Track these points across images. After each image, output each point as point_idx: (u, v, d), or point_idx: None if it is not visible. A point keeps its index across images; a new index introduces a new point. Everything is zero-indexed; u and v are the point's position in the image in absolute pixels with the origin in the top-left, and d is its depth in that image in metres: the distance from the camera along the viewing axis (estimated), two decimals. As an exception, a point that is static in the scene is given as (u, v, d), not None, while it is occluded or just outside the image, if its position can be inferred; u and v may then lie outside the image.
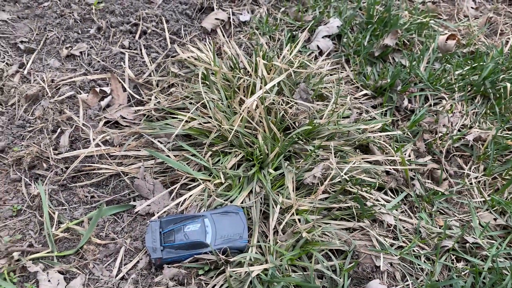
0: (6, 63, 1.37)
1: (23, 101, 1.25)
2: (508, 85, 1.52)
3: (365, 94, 1.56)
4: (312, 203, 1.11)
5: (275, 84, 1.27)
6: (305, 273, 1.05)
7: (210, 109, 1.26)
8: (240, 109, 1.21)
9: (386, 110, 1.51)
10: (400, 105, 1.54)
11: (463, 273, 1.11)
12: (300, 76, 1.41)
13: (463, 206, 1.30)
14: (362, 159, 1.22)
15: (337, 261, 1.07)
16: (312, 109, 1.27)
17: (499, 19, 1.97)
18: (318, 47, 1.64)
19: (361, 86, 1.58)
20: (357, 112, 1.43)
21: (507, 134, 1.45)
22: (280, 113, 1.24)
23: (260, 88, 1.30)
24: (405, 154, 1.38)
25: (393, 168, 1.30)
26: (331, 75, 1.57)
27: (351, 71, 1.62)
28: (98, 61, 1.41)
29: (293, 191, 1.11)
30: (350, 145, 1.30)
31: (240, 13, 1.69)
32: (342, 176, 1.13)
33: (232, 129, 1.20)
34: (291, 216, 1.08)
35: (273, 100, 1.28)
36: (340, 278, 1.05)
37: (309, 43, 1.65)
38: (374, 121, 1.38)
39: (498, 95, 1.56)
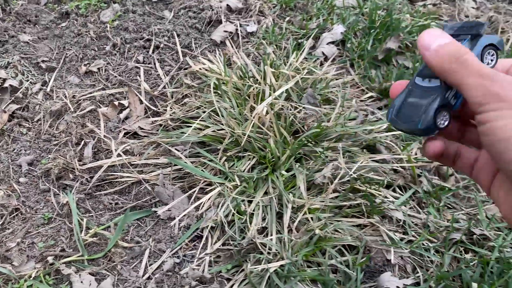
0: (30, 82, 1.46)
1: (48, 116, 1.34)
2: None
3: (371, 97, 1.62)
4: (323, 201, 1.17)
5: (283, 91, 1.34)
6: (319, 268, 1.11)
7: (223, 116, 1.33)
8: (251, 115, 1.28)
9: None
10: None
11: (471, 263, 1.16)
12: (306, 82, 1.47)
13: (470, 200, 1.35)
14: (370, 158, 1.28)
15: (350, 256, 1.13)
16: (319, 113, 1.33)
17: (499, 18, 2.02)
18: (323, 53, 1.71)
19: (367, 89, 1.64)
20: (363, 114, 1.50)
21: None
22: (289, 118, 1.31)
23: (270, 95, 1.37)
24: (411, 152, 1.44)
25: (400, 166, 1.36)
26: (337, 79, 1.64)
27: (356, 75, 1.69)
28: (115, 76, 1.49)
29: (305, 190, 1.17)
30: (357, 146, 1.36)
31: (247, 24, 1.77)
32: (351, 175, 1.19)
33: (245, 135, 1.27)
34: (303, 214, 1.15)
35: (282, 106, 1.35)
36: (353, 272, 1.10)
37: (315, 50, 1.72)
38: (380, 122, 1.43)
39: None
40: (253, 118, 1.27)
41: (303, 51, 1.60)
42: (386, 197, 1.29)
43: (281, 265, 1.08)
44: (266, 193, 1.23)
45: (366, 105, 1.59)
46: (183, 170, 1.29)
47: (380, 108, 1.61)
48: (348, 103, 1.51)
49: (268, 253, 1.10)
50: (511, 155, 0.38)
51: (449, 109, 0.46)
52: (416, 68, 1.66)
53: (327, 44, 1.74)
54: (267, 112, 1.31)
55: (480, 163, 0.49)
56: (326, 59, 1.71)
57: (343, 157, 1.29)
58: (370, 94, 1.61)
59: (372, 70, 1.71)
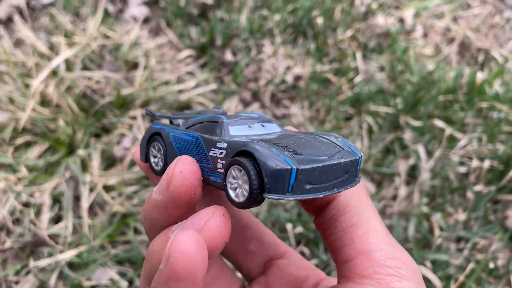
0: None
1: None
2: (320, 20, 1.58)
3: (190, 56, 1.54)
4: (120, 176, 1.07)
5: (76, 62, 1.20)
6: (128, 245, 1.03)
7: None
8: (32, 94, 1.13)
9: (213, 68, 1.51)
10: (223, 60, 1.54)
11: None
12: (105, 48, 1.34)
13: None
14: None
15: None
16: (115, 80, 1.22)
17: None
18: (133, 16, 1.58)
19: (185, 48, 1.55)
20: (178, 76, 1.41)
21: (331, 68, 1.51)
22: (78, 90, 1.17)
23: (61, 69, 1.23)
24: (233, 105, 1.40)
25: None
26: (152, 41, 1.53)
27: (174, 35, 1.59)
28: None
29: (98, 168, 1.07)
30: (169, 108, 1.28)
31: (44, -6, 1.57)
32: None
33: (31, 117, 1.12)
34: (98, 193, 1.04)
35: (75, 78, 1.21)
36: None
37: (123, 14, 1.58)
38: (187, 81, 1.36)
39: (314, 32, 1.62)
40: (33, 96, 1.12)
41: (99, 16, 1.45)
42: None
43: (79, 253, 0.98)
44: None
45: (187, 64, 1.50)
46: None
47: (203, 66, 1.53)
48: (161, 66, 1.42)
49: (64, 243, 0.99)
50: None
51: None
52: (232, 19, 1.60)
53: (137, 6, 1.61)
54: (55, 87, 1.16)
55: None
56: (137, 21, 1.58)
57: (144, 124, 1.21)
58: (187, 53, 1.53)
59: (192, 28, 1.62)
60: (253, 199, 0.38)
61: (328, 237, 0.45)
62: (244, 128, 0.46)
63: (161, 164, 0.50)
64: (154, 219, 0.43)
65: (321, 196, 0.39)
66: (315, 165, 0.38)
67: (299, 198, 0.38)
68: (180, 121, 0.54)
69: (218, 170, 0.42)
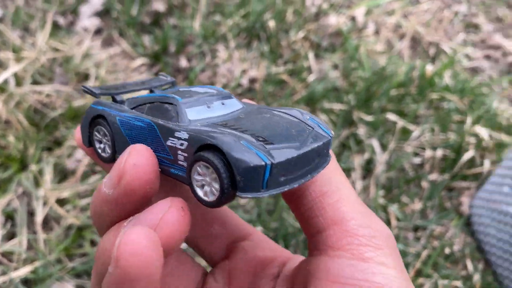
0: None
1: None
2: (272, 22, 1.61)
3: (143, 64, 1.53)
4: (73, 188, 1.06)
5: (25, 77, 1.18)
6: (85, 258, 1.02)
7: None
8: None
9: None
10: (178, 66, 1.54)
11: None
12: (55, 61, 1.33)
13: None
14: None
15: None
16: (66, 92, 1.21)
17: None
18: (84, 28, 1.56)
19: (139, 56, 1.55)
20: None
21: (286, 69, 1.54)
22: (28, 104, 1.16)
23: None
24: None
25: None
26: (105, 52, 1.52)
27: (128, 44, 1.58)
28: None
29: (50, 182, 1.05)
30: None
31: (-9, 10, 1.54)
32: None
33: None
34: (51, 207, 1.03)
35: (24, 93, 1.20)
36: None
37: (74, 26, 1.57)
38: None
39: (267, 35, 1.64)
40: (-21, 114, 1.10)
41: (46, 30, 1.43)
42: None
43: (34, 269, 0.96)
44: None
45: (141, 73, 1.50)
46: None
47: (156, 74, 1.53)
48: (113, 75, 1.41)
49: (18, 260, 0.97)
50: None
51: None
52: (185, 26, 1.61)
53: (89, 17, 1.60)
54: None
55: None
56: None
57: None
58: (140, 62, 1.52)
59: (145, 37, 1.62)
60: (225, 198, 0.35)
61: (298, 208, 0.43)
62: (203, 110, 0.42)
63: (109, 151, 0.45)
64: (104, 214, 0.39)
65: (295, 186, 0.36)
66: (289, 156, 0.35)
67: (274, 193, 0.35)
68: (124, 96, 0.48)
69: (179, 162, 0.38)
